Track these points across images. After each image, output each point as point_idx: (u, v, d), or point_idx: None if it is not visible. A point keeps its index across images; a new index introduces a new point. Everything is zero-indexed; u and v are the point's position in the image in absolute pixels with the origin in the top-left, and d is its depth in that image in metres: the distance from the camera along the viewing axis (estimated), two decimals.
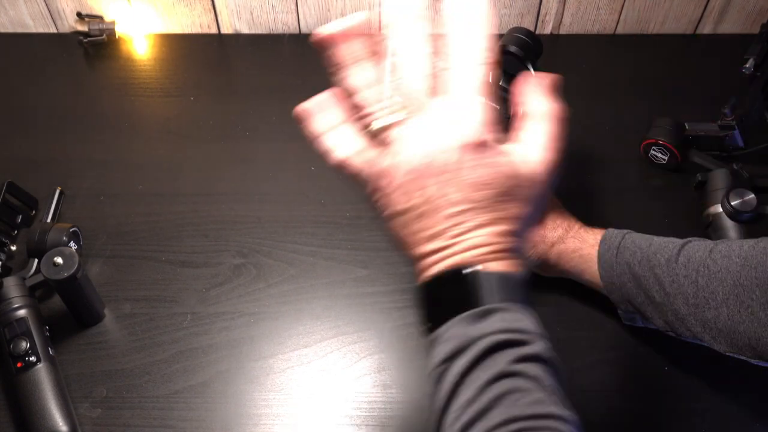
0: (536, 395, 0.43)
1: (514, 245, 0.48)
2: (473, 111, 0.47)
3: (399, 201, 0.49)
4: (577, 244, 0.70)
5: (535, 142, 0.49)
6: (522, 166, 0.48)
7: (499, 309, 0.45)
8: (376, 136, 0.50)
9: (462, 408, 0.44)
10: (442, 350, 0.45)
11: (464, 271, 0.46)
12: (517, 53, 0.66)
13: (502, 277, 0.46)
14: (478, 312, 0.45)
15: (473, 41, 0.49)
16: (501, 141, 0.48)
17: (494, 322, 0.45)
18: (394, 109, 0.49)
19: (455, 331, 0.45)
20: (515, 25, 0.69)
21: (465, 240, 0.47)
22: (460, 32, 0.50)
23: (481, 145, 0.46)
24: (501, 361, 0.44)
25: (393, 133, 0.49)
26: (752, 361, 0.60)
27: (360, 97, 0.50)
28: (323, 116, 0.52)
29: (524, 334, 0.45)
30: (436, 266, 0.48)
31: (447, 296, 0.47)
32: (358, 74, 0.50)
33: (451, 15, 0.50)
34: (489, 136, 0.47)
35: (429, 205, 0.48)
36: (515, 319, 0.45)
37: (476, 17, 0.49)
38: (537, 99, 0.50)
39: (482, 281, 0.46)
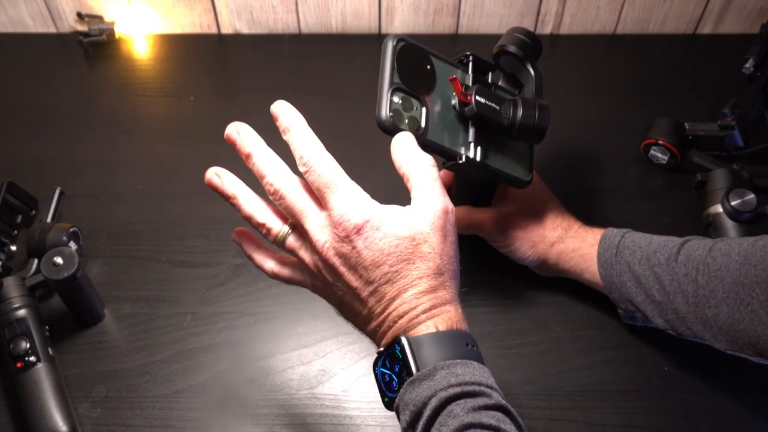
0: None
1: (438, 300, 0.51)
2: (342, 206, 0.51)
3: (329, 297, 0.55)
4: (576, 243, 0.70)
5: (422, 197, 0.53)
6: (419, 222, 0.51)
7: (442, 366, 0.48)
8: (283, 248, 0.55)
9: None
10: (404, 419, 0.49)
11: (401, 341, 0.49)
12: (517, 53, 0.66)
13: (436, 337, 0.49)
14: (422, 374, 0.48)
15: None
16: (381, 214, 0.51)
17: (440, 380, 0.47)
18: (278, 225, 0.55)
19: (409, 396, 0.48)
20: (515, 25, 0.69)
21: (390, 313, 0.51)
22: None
23: (360, 230, 0.50)
24: (458, 415, 0.46)
25: (290, 243, 0.55)
26: (753, 359, 0.60)
27: (255, 220, 0.55)
28: (249, 241, 0.59)
29: (472, 386, 0.48)
30: (381, 341, 0.52)
31: (394, 366, 0.50)
32: (248, 202, 0.56)
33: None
34: (360, 220, 0.50)
35: (349, 294, 0.53)
36: (459, 373, 0.48)
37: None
38: (407, 160, 0.54)
39: (419, 345, 0.49)
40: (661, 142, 0.83)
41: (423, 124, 0.58)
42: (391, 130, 0.56)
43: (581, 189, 0.85)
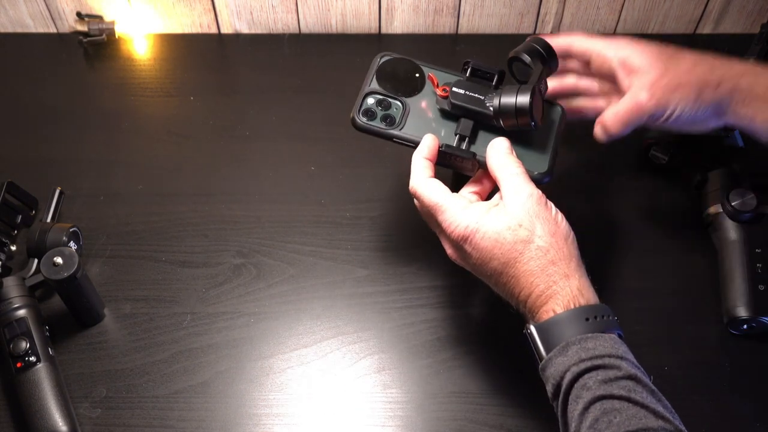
0: (629, 412, 0.49)
1: (550, 278, 0.56)
2: (446, 221, 0.59)
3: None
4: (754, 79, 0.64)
5: (508, 190, 0.59)
6: (511, 211, 0.58)
7: (574, 342, 0.53)
8: None
9: None
10: (549, 389, 0.55)
11: (529, 329, 0.56)
12: (530, 64, 0.65)
13: (555, 321, 0.55)
14: (557, 351, 0.54)
15: None
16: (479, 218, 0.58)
17: (572, 355, 0.53)
18: None
19: (549, 371, 0.54)
20: (516, 25, 0.69)
21: (516, 298, 0.58)
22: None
23: (464, 237, 0.58)
24: (590, 387, 0.51)
25: None
26: None
27: None
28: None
29: (602, 358, 0.52)
30: (530, 320, 0.58)
31: (533, 347, 0.56)
32: None
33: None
34: (462, 228, 0.58)
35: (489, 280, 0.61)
36: (590, 347, 0.53)
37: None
38: (495, 163, 0.62)
39: (543, 331, 0.55)
40: (661, 142, 0.83)
41: (399, 121, 0.66)
42: (359, 126, 0.66)
43: (581, 189, 0.85)
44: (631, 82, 0.65)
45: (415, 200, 0.64)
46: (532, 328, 0.56)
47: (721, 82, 0.63)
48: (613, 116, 0.66)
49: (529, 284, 0.56)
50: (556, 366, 0.53)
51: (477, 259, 0.58)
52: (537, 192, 0.59)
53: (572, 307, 0.55)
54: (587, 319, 0.54)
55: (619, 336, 0.56)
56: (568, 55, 0.70)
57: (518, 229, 0.57)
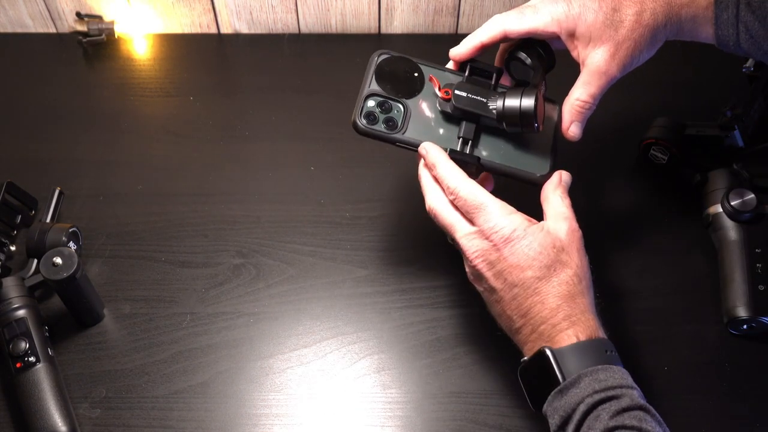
0: None
1: (577, 307, 0.56)
2: (490, 221, 0.58)
3: (489, 306, 0.62)
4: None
5: (555, 216, 0.60)
6: (557, 233, 0.58)
7: (586, 374, 0.53)
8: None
9: None
10: (553, 422, 0.54)
11: (545, 352, 0.55)
12: (526, 62, 0.65)
13: (578, 347, 0.54)
14: (568, 382, 0.53)
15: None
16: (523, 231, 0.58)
17: (586, 387, 0.53)
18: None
19: (558, 403, 0.53)
20: None
21: (532, 317, 0.57)
22: None
23: (507, 239, 0.57)
24: (603, 418, 0.52)
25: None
26: None
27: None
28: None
29: (615, 389, 0.52)
30: (525, 347, 0.58)
31: (540, 375, 0.55)
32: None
33: None
34: (508, 231, 0.57)
35: (494, 298, 0.60)
36: (602, 378, 0.53)
37: None
38: (546, 191, 0.63)
39: (563, 356, 0.54)
40: (661, 142, 0.83)
41: (401, 124, 0.64)
42: (361, 130, 0.64)
43: (581, 189, 0.84)
44: (587, 53, 0.64)
45: (430, 211, 0.63)
46: (548, 351, 0.55)
47: (667, 23, 0.63)
48: (587, 96, 0.65)
49: (556, 306, 0.56)
50: (569, 398, 0.53)
51: (510, 264, 0.57)
52: (580, 231, 0.61)
53: (594, 338, 0.56)
54: (606, 351, 0.55)
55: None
56: (505, 41, 0.67)
57: (561, 252, 0.58)
